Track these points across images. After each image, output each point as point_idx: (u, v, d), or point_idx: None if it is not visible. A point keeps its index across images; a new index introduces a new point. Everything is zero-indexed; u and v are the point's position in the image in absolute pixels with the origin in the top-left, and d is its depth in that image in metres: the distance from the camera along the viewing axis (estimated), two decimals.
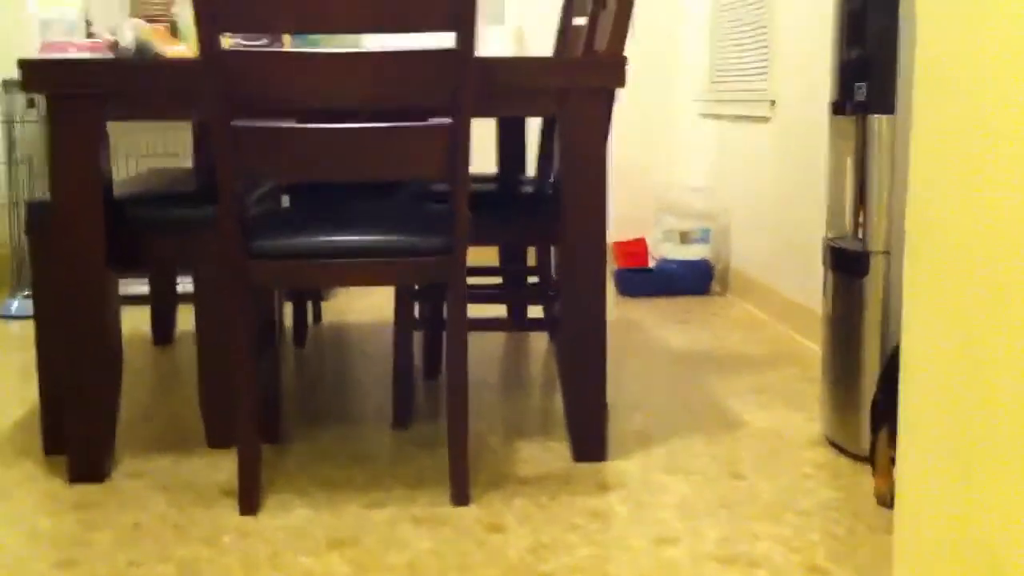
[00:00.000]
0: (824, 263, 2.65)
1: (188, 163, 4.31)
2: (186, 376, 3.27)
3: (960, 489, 0.85)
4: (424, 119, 2.24)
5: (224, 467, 2.45)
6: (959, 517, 0.86)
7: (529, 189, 3.36)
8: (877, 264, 2.44)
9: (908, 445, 0.97)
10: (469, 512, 2.18)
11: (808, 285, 3.61)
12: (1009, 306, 0.77)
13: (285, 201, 3.38)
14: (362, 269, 2.24)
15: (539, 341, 3.71)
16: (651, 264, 4.70)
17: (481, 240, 2.96)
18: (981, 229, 0.81)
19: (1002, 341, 0.78)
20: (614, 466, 2.44)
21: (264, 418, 2.49)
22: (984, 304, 0.81)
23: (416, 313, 3.09)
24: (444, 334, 3.01)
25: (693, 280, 4.51)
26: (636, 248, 4.73)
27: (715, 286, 4.59)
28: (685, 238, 4.58)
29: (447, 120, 2.18)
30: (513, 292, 3.65)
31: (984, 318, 0.81)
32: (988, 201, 0.79)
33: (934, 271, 0.91)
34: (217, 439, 2.61)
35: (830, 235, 2.64)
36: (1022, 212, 0.75)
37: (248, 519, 2.16)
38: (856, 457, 2.44)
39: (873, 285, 2.45)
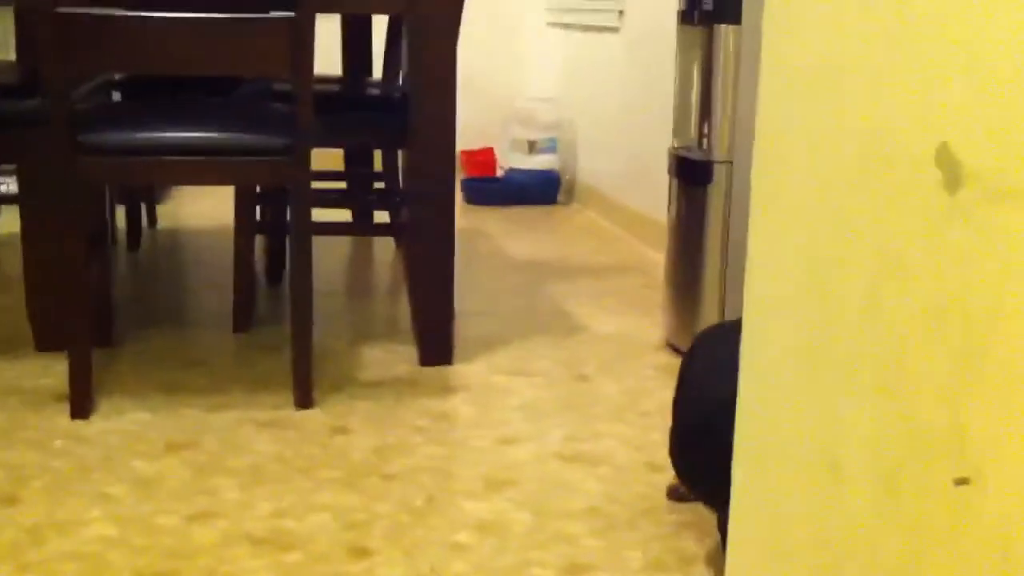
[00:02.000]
0: (669, 172, 2.68)
1: (10, 55, 4.04)
2: (10, 280, 3.11)
3: (802, 393, 0.86)
4: (266, 12, 2.14)
5: (54, 371, 2.34)
6: (800, 420, 0.87)
7: (375, 92, 3.28)
8: (720, 173, 2.48)
9: (750, 350, 0.98)
10: (313, 415, 2.15)
11: (654, 196, 3.66)
12: (850, 213, 0.77)
13: (117, 98, 3.21)
14: (198, 167, 2.15)
15: (384, 248, 3.66)
16: (499, 174, 4.68)
17: (325, 142, 2.89)
18: (827, 138, 0.81)
19: (843, 250, 0.79)
20: (460, 370, 2.44)
21: (96, 321, 2.38)
22: (827, 211, 0.82)
23: (258, 217, 3.00)
24: (287, 238, 2.93)
25: (540, 190, 4.52)
26: (484, 158, 4.70)
27: (562, 196, 4.61)
28: (533, 148, 4.57)
29: (289, 13, 2.09)
30: (359, 197, 3.58)
31: (827, 225, 0.82)
32: (835, 110, 0.79)
33: (780, 179, 0.92)
34: (46, 343, 2.49)
35: (676, 144, 2.67)
36: (867, 121, 0.75)
37: (80, 423, 2.07)
38: None
39: (716, 193, 2.49)
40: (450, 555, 1.61)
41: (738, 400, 0.97)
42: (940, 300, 0.67)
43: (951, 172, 0.64)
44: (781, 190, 0.91)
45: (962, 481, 0.64)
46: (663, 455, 1.99)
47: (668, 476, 1.88)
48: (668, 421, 2.10)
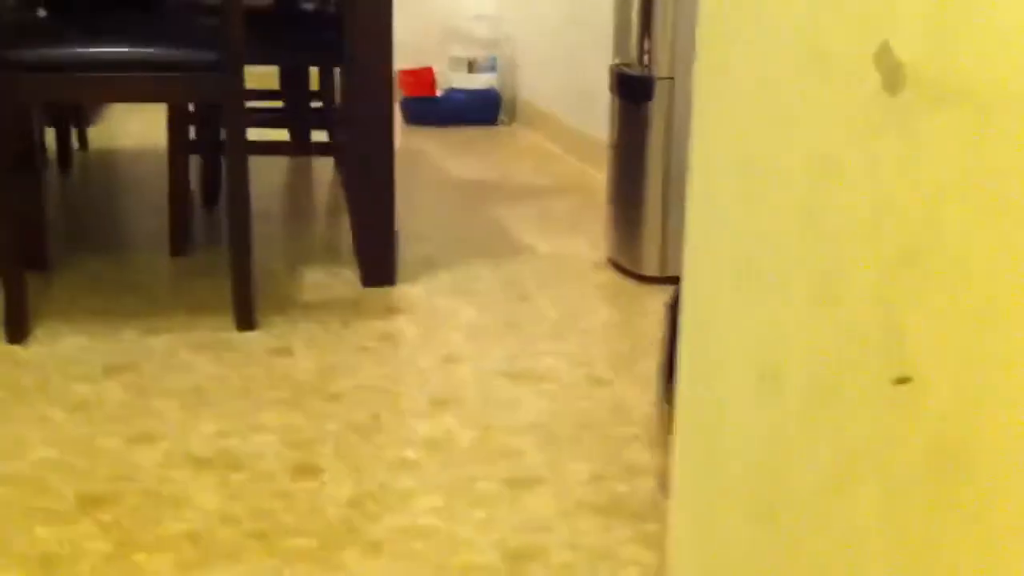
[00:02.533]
0: (611, 90, 2.67)
1: None
2: None
3: (740, 304, 0.87)
4: None
5: None
6: (739, 331, 0.88)
7: (309, 7, 3.21)
8: (662, 89, 2.47)
9: (693, 265, 0.98)
10: (254, 337, 2.13)
11: (595, 115, 3.64)
12: (787, 120, 0.77)
13: (41, 14, 3.10)
14: (127, 83, 2.09)
15: (323, 169, 3.62)
16: (438, 93, 4.63)
17: (259, 59, 2.82)
18: (767, 44, 0.81)
19: (780, 158, 0.79)
20: (402, 291, 2.43)
21: (29, 245, 2.33)
22: (765, 119, 0.82)
23: (193, 138, 2.94)
24: (222, 159, 2.88)
25: (480, 110, 4.48)
26: (422, 77, 4.63)
27: (503, 116, 4.58)
28: (472, 67, 4.52)
29: None
30: (296, 116, 3.52)
31: (764, 133, 0.82)
32: (775, 13, 0.79)
33: (721, 89, 0.91)
34: None
35: (617, 62, 2.65)
36: (807, 22, 0.75)
37: (16, 348, 2.04)
38: (638, 278, 2.51)
39: (658, 110, 2.48)
40: (397, 471, 1.62)
41: (681, 313, 0.98)
42: (877, 206, 0.67)
43: (891, 74, 0.64)
44: (722, 100, 0.91)
45: (903, 380, 0.65)
46: (605, 369, 2.01)
47: (611, 391, 1.91)
48: (611, 338, 2.12)
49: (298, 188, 3.44)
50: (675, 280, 2.42)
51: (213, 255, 2.65)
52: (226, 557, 1.38)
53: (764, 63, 0.81)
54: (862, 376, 0.69)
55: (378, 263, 2.47)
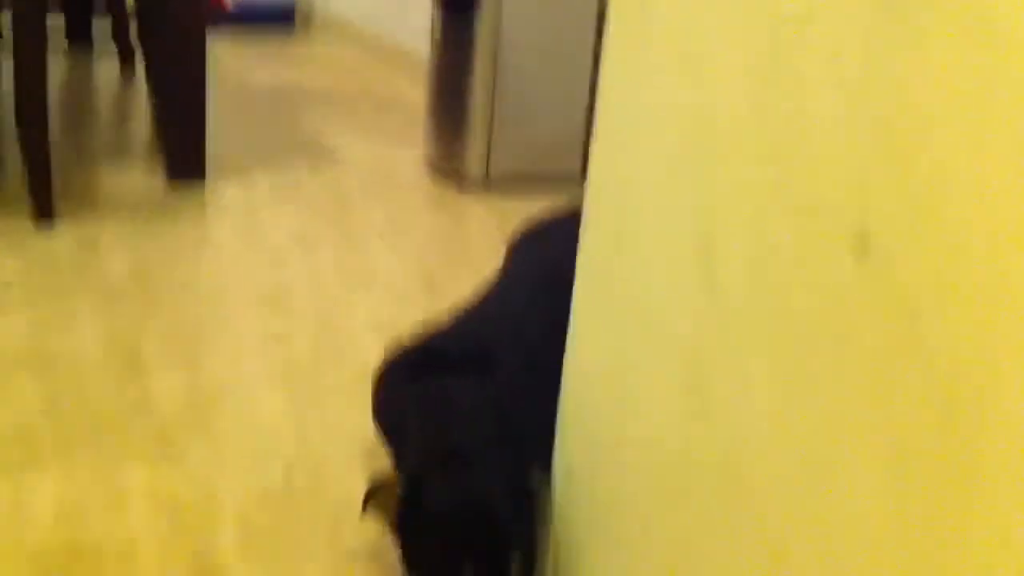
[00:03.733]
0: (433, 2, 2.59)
1: None
2: None
3: (676, 167, 0.84)
4: None
5: None
6: (672, 200, 0.86)
7: None
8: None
9: (606, 119, 0.94)
10: (56, 235, 1.96)
11: (407, 25, 3.54)
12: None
13: None
14: None
15: (106, 65, 3.36)
16: (229, 3, 4.39)
17: None
18: None
19: (720, 10, 0.77)
20: (215, 191, 2.29)
21: None
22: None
23: None
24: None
25: (276, 19, 4.29)
26: None
27: (300, 25, 4.40)
28: None
29: None
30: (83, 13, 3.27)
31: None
32: None
33: None
34: None
35: None
36: None
37: None
38: (461, 184, 2.47)
39: (486, 20, 2.42)
40: (235, 368, 1.52)
41: (589, 173, 0.95)
42: (840, 46, 0.65)
43: None
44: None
45: (859, 248, 0.63)
46: (437, 275, 1.96)
47: (446, 297, 1.87)
48: (440, 242, 2.07)
49: (81, 92, 3.19)
50: (498, 184, 2.39)
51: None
52: (57, 455, 1.26)
53: None
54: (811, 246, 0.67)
55: (187, 156, 2.31)
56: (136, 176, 2.34)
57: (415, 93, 3.10)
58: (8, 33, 1.99)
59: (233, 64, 3.68)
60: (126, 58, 3.34)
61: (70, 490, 1.20)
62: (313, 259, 1.97)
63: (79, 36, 3.51)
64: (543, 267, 1.32)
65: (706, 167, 0.78)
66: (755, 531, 0.71)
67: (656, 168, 0.85)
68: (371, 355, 1.60)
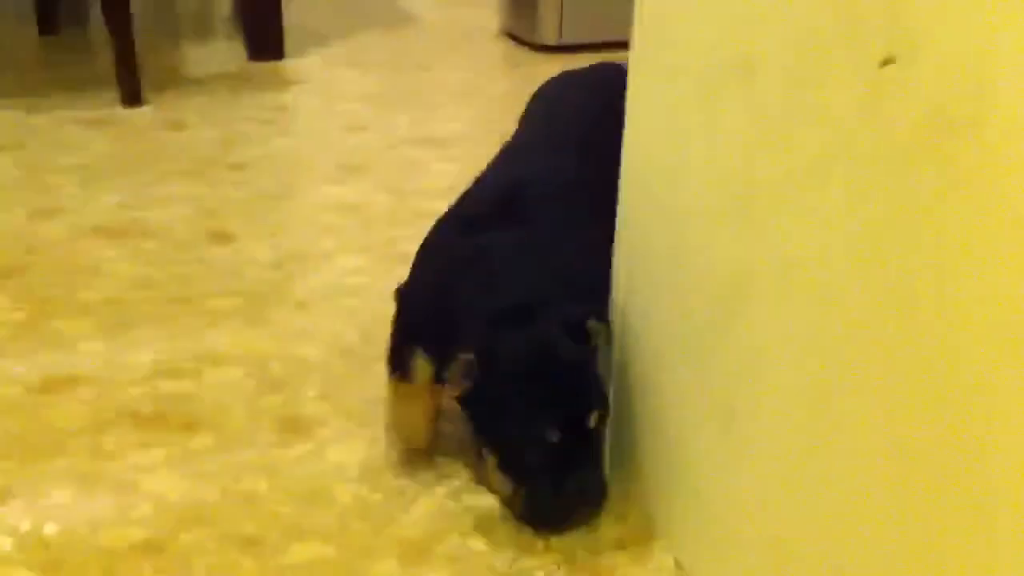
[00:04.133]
0: None
1: None
2: None
3: None
4: None
5: None
6: (711, 21, 0.87)
7: None
8: None
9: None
10: (144, 112, 2.03)
11: None
12: None
13: None
14: None
15: None
16: None
17: None
18: None
19: None
20: (294, 64, 2.34)
21: None
22: None
23: None
24: None
25: None
26: None
27: None
28: None
29: None
30: None
31: None
32: None
33: None
34: None
35: None
36: None
37: None
38: (535, 47, 2.47)
39: None
40: (318, 235, 1.59)
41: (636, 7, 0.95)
42: None
43: None
44: None
45: (888, 61, 0.64)
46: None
47: None
48: (514, 104, 2.08)
49: None
50: (571, 48, 2.39)
51: (84, 34, 2.50)
52: (149, 319, 1.35)
53: None
54: (847, 59, 0.68)
55: (265, 34, 2.36)
56: (219, 53, 2.39)
57: None
58: None
59: None
60: None
61: (163, 351, 1.28)
62: (389, 123, 2.01)
63: None
64: (561, 118, 1.32)
65: None
66: (813, 334, 0.75)
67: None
68: None
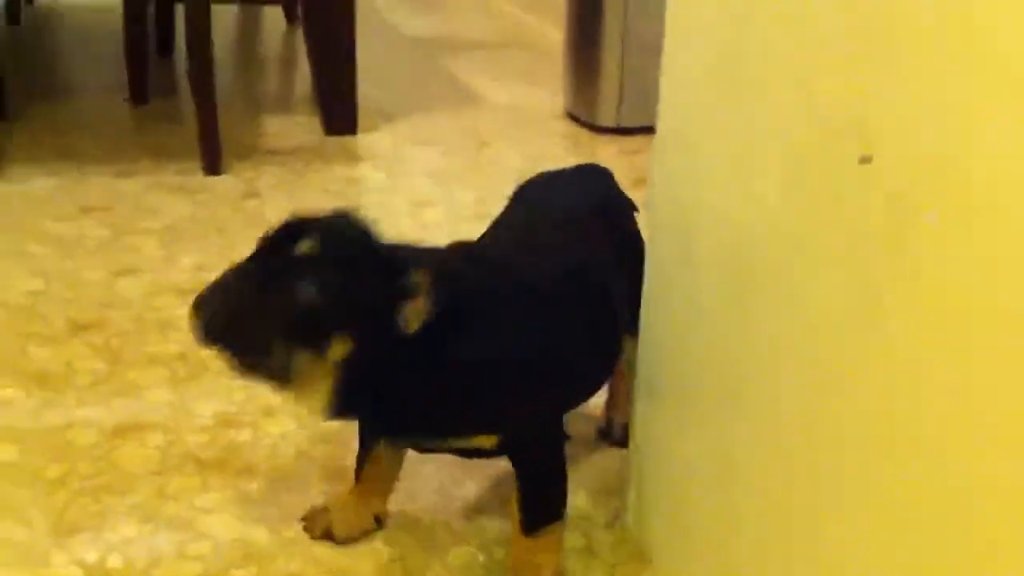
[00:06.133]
0: None
1: None
2: None
3: (718, 104, 0.94)
4: None
5: None
6: (715, 126, 0.96)
7: None
8: None
9: (670, 69, 1.04)
10: (223, 181, 2.17)
11: None
12: None
13: None
14: None
15: (273, 18, 3.58)
16: None
17: None
18: None
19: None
20: (365, 139, 2.48)
21: None
22: None
23: None
24: (175, 5, 2.86)
25: None
26: None
27: None
28: None
29: None
30: None
31: None
32: None
33: None
34: None
35: None
36: None
37: None
38: (594, 128, 2.58)
39: None
40: None
41: (659, 115, 1.05)
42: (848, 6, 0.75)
43: None
44: None
45: (865, 159, 0.74)
46: None
47: None
48: None
49: (249, 39, 3.42)
50: (631, 131, 2.49)
51: (172, 103, 2.66)
52: (216, 373, 1.45)
53: None
54: (829, 156, 0.78)
55: (340, 111, 2.50)
56: (296, 127, 2.54)
57: (560, 38, 3.21)
58: None
59: (382, 6, 3.85)
60: (290, 8, 3.56)
61: (225, 403, 1.39)
62: (453, 199, 2.13)
63: None
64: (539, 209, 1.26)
65: (745, 105, 0.89)
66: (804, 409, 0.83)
67: (702, 111, 0.96)
68: None
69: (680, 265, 1.02)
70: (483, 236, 1.20)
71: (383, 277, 0.93)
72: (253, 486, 1.23)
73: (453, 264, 1.02)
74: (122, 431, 1.32)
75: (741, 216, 0.90)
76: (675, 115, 1.02)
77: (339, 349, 0.91)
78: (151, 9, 2.94)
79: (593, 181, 1.31)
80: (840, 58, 0.76)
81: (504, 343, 0.98)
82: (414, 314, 0.92)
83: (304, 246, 0.92)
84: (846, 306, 0.76)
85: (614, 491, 1.23)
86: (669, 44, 1.01)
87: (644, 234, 1.18)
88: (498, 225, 1.23)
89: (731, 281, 0.92)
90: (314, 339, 0.91)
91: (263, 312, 0.90)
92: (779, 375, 0.85)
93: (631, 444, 1.17)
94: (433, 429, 1.00)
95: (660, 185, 1.07)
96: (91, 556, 1.11)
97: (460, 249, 1.10)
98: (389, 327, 0.92)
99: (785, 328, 0.84)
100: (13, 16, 3.39)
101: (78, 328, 1.57)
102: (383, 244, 0.96)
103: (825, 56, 0.77)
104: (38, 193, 2.05)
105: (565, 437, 1.08)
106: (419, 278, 0.92)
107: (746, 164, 0.89)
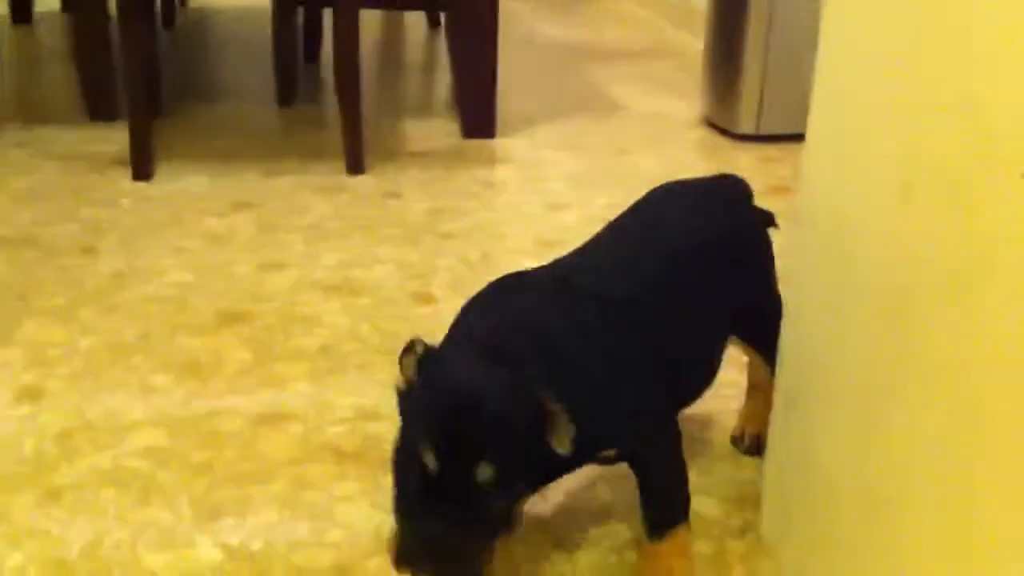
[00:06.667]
0: None
1: None
2: (51, 55, 3.14)
3: (876, 119, 0.92)
4: None
5: (111, 138, 2.41)
6: (874, 145, 0.93)
7: None
8: None
9: (823, 82, 1.03)
10: (365, 181, 2.23)
11: None
12: None
13: None
14: None
15: (415, 24, 3.65)
16: None
17: None
18: None
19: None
20: (504, 143, 2.50)
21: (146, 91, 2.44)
22: None
23: None
24: (323, 12, 2.94)
25: None
26: None
27: None
28: None
29: None
30: None
31: None
32: None
33: None
34: (99, 112, 2.55)
35: None
36: None
37: (143, 185, 2.16)
38: (733, 136, 2.55)
39: None
40: None
41: (808, 129, 1.04)
42: (1017, 16, 0.72)
43: None
44: None
45: None
46: None
47: None
48: None
49: (392, 43, 3.49)
50: (770, 139, 2.45)
51: (318, 107, 2.74)
52: (356, 367, 1.49)
53: None
54: (995, 178, 0.75)
55: (480, 115, 2.53)
56: (436, 131, 2.58)
57: (699, 48, 3.19)
58: None
59: (525, 13, 3.89)
60: (432, 13, 3.62)
61: (366, 396, 1.42)
62: (587, 203, 2.13)
63: None
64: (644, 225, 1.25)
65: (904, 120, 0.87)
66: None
67: (859, 126, 0.94)
68: None
69: (830, 278, 1.00)
70: (588, 243, 1.23)
71: (536, 430, 0.91)
72: (389, 478, 1.25)
73: (555, 346, 0.98)
74: (265, 420, 1.37)
75: (901, 232, 0.87)
76: (826, 126, 1.00)
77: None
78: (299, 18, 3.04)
79: (720, 201, 1.25)
80: (1007, 73, 0.73)
81: (610, 379, 0.99)
82: (565, 440, 0.91)
83: (483, 474, 0.87)
84: (1016, 338, 0.74)
85: (748, 500, 1.22)
86: (824, 51, 0.99)
87: (786, 243, 1.17)
88: (603, 237, 1.24)
89: (890, 300, 0.89)
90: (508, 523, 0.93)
91: (469, 553, 0.91)
92: (930, 404, 0.83)
93: (767, 455, 1.16)
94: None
95: (809, 197, 1.05)
96: (233, 540, 1.14)
97: (554, 300, 1.07)
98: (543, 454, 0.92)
99: (944, 356, 0.81)
100: (168, 19, 3.55)
101: (226, 319, 1.63)
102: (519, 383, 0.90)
103: (991, 71, 0.75)
104: (192, 190, 2.14)
105: (678, 435, 1.07)
106: (554, 406, 0.90)
107: (904, 180, 0.86)
